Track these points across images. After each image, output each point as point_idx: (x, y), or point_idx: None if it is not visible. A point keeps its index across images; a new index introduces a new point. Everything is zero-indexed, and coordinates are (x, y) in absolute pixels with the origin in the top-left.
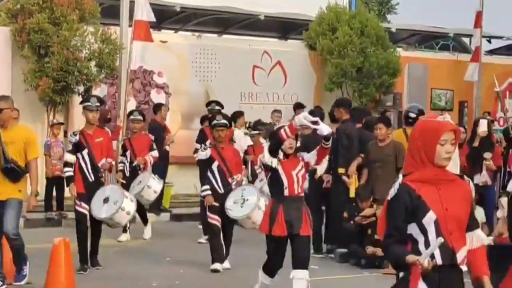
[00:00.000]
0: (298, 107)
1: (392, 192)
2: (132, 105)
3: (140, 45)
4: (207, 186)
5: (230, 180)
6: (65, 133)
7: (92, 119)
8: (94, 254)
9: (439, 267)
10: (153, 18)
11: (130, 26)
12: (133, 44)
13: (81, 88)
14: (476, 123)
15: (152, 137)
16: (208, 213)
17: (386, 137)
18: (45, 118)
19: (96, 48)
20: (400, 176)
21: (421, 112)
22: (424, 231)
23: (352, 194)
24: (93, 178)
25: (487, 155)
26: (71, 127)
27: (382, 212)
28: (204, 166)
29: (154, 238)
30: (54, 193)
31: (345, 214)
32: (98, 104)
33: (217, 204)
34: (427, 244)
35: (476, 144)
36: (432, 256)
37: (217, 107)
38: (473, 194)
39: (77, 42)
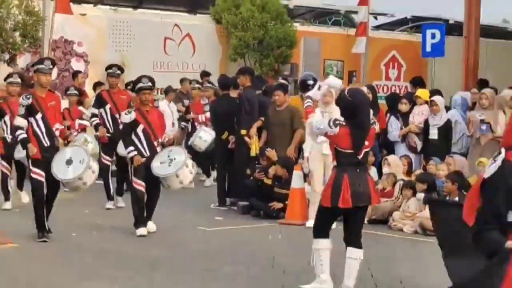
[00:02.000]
0: (205, 75)
1: (492, 169)
2: (54, 72)
3: (61, 17)
4: (132, 147)
5: (155, 143)
6: None
7: (45, 82)
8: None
9: None
10: None
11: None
12: (55, 16)
13: (6, 56)
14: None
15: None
16: (133, 179)
17: (283, 103)
18: None
19: (21, 20)
20: (503, 150)
21: (315, 80)
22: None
23: (253, 153)
24: (48, 143)
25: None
26: None
27: (472, 190)
28: (126, 129)
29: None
30: None
31: (248, 171)
32: (51, 66)
33: (143, 165)
34: None
35: None
36: None
37: (118, 71)
38: None
39: (2, 14)
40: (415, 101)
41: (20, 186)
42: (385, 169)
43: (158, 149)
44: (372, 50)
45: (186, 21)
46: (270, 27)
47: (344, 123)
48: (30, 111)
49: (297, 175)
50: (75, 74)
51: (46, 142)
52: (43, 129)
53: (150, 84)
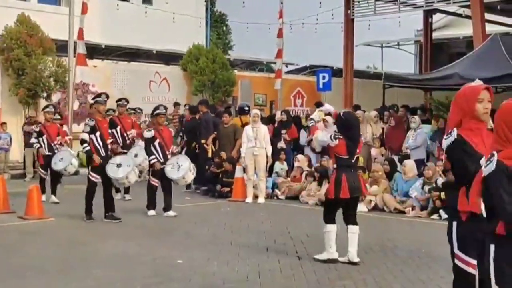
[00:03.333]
0: (176, 104)
1: (489, 168)
2: (76, 105)
3: (80, 68)
4: (153, 156)
5: (167, 152)
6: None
7: (102, 110)
8: (111, 209)
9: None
10: (85, 51)
11: (74, 56)
12: (76, 68)
13: (44, 94)
14: (275, 114)
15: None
16: (151, 177)
17: (229, 122)
18: (22, 114)
19: (53, 70)
20: (495, 153)
21: (248, 107)
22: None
23: (209, 155)
24: (104, 154)
25: (283, 131)
26: (39, 119)
27: (474, 187)
28: (148, 142)
29: None
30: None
31: (206, 167)
32: (106, 99)
33: (159, 169)
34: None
35: (276, 124)
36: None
37: (125, 102)
38: None
39: (41, 67)
40: None
41: (53, 191)
42: (296, 164)
43: (169, 156)
44: (285, 87)
45: (163, 70)
46: (218, 73)
47: (341, 137)
48: (92, 130)
49: (238, 169)
50: (91, 105)
51: (102, 153)
52: (101, 144)
53: (164, 111)
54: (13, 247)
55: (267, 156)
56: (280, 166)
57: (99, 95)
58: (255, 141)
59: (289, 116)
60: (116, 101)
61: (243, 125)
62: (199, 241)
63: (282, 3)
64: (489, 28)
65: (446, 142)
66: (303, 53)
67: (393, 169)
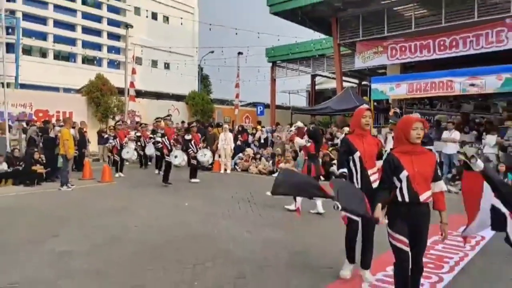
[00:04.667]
0: (183, 122)
1: (384, 158)
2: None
3: (131, 103)
4: (190, 149)
5: (197, 146)
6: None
7: (168, 124)
8: (166, 179)
9: (407, 204)
10: (134, 94)
11: (128, 96)
12: (128, 102)
13: (111, 116)
14: (235, 128)
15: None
16: (191, 160)
17: (211, 131)
18: (98, 127)
19: (116, 104)
20: (388, 149)
21: (224, 123)
22: (400, 181)
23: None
24: (170, 148)
25: (239, 136)
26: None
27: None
28: (187, 141)
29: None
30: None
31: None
32: (169, 118)
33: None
34: (401, 190)
35: (236, 132)
36: (403, 197)
37: (168, 117)
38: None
39: (112, 103)
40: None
41: (121, 170)
42: (246, 153)
43: (198, 149)
44: (240, 113)
45: (175, 103)
46: (206, 106)
47: (311, 141)
48: (162, 135)
49: (217, 155)
50: (137, 123)
51: (170, 148)
52: (167, 144)
53: (194, 124)
54: (92, 195)
55: (231, 149)
56: (240, 155)
57: (168, 115)
58: (225, 141)
59: (242, 129)
60: (163, 118)
61: (219, 133)
62: (203, 190)
63: (238, 68)
64: (344, 84)
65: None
66: (249, 95)
67: (296, 154)
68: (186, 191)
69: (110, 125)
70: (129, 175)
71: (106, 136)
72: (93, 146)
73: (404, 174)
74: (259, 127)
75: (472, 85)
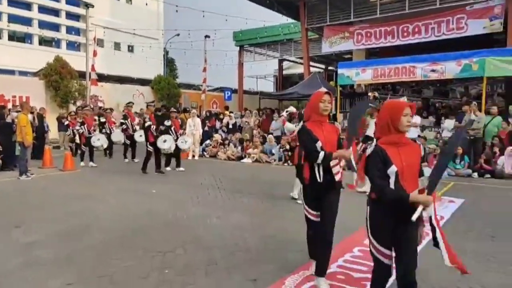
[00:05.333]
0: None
1: (369, 151)
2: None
3: (93, 87)
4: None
5: (177, 133)
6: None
7: (151, 111)
8: (159, 166)
9: (393, 206)
10: (96, 77)
11: (89, 80)
12: (90, 86)
13: (72, 101)
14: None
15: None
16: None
17: (178, 116)
18: (58, 113)
19: (77, 88)
20: (374, 140)
21: (192, 108)
22: (387, 178)
23: None
24: (155, 134)
25: (207, 122)
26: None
27: (361, 164)
28: (168, 128)
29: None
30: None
31: None
32: (153, 104)
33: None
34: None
35: (203, 118)
36: None
37: (131, 104)
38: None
39: (71, 87)
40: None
41: (92, 159)
42: (213, 139)
43: (178, 135)
44: (207, 98)
45: (140, 88)
46: (172, 91)
47: None
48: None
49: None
50: (101, 108)
51: (156, 134)
52: (153, 131)
53: (175, 110)
54: (54, 184)
55: (199, 134)
56: (208, 142)
57: (152, 101)
58: (193, 127)
59: (210, 114)
60: (147, 104)
61: (186, 118)
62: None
63: (205, 52)
64: (311, 69)
65: (296, 128)
66: (217, 80)
67: (264, 139)
68: (154, 178)
69: (71, 110)
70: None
71: (66, 122)
72: (53, 133)
73: (392, 170)
74: (226, 112)
75: (433, 71)
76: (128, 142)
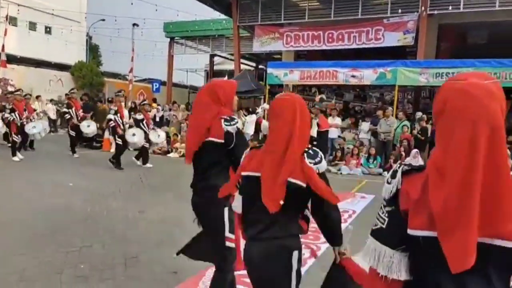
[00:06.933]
0: (67, 94)
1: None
2: None
3: (2, 69)
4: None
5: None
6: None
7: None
8: (119, 162)
9: None
10: (5, 59)
11: None
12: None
13: None
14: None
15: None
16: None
17: (101, 106)
18: None
19: None
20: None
21: (113, 99)
22: None
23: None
24: (123, 128)
25: (132, 113)
26: None
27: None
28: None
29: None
30: None
31: None
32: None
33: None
34: None
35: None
36: None
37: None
38: None
39: None
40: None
41: (31, 146)
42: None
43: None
44: (134, 90)
45: (59, 74)
46: (95, 79)
47: None
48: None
49: (107, 133)
50: (11, 93)
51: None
52: (120, 122)
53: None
54: None
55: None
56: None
57: (119, 91)
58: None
59: (135, 105)
60: (115, 93)
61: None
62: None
63: (133, 41)
64: (242, 66)
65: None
66: (145, 71)
67: None
68: (69, 170)
69: None
70: None
71: None
72: None
73: None
74: (154, 104)
75: (353, 76)
76: (73, 133)
